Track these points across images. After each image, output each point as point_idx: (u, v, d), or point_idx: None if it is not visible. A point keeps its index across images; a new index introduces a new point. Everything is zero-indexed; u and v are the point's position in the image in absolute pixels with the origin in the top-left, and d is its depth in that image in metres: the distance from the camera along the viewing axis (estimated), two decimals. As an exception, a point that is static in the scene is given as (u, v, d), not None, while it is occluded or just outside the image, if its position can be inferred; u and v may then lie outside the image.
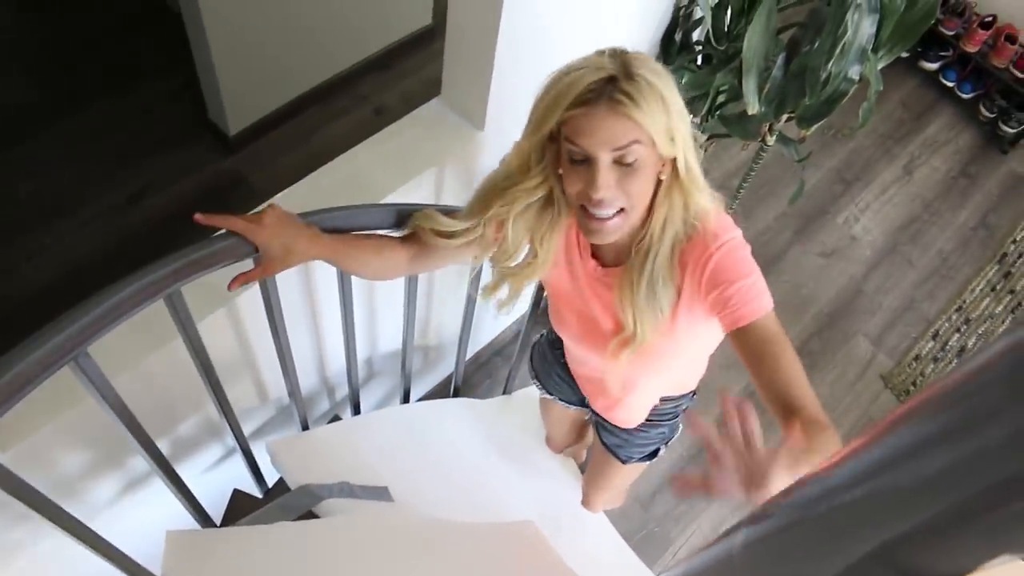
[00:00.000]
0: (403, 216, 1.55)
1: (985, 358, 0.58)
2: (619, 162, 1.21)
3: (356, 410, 2.30)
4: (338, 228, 1.48)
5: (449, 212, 1.48)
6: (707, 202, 1.30)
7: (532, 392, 2.61)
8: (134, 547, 1.67)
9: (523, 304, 2.26)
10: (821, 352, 3.28)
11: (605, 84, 1.17)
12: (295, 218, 1.39)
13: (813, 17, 2.02)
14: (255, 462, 2.08)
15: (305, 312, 1.99)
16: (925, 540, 0.63)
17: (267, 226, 1.33)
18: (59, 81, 3.54)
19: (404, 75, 3.75)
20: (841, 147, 3.86)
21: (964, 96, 3.98)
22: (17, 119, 3.38)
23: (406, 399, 2.41)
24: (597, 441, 2.02)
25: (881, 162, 3.86)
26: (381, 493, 1.93)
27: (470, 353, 3.03)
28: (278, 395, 2.14)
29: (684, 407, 1.84)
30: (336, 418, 2.50)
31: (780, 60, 2.05)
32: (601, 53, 1.21)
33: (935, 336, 3.37)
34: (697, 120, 2.36)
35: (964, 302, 3.47)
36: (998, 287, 3.52)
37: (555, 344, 1.88)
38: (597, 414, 1.89)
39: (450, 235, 1.44)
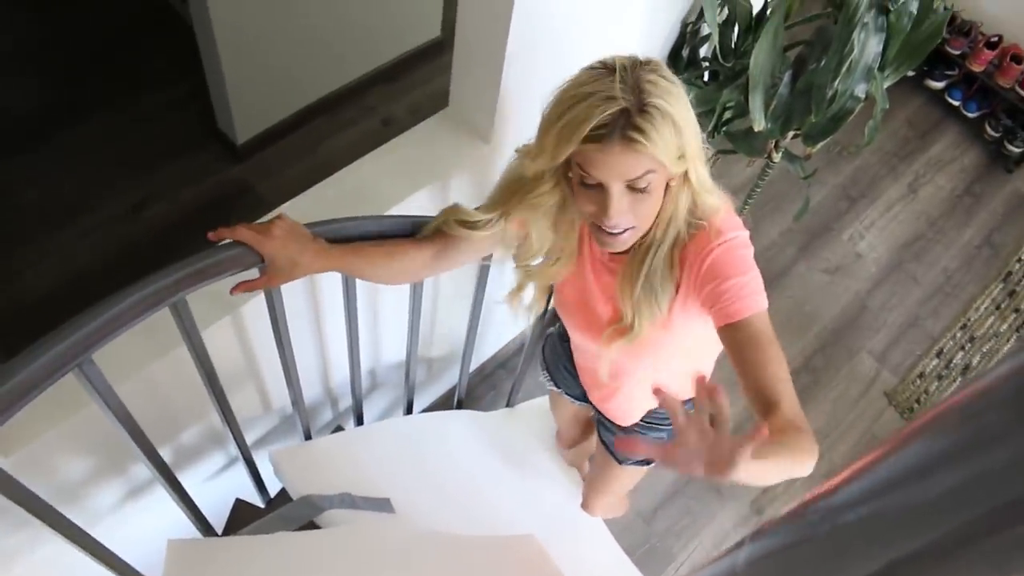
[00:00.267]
0: (417, 226, 1.55)
1: (989, 380, 0.58)
2: (631, 188, 1.22)
3: (359, 421, 2.30)
4: (348, 238, 1.48)
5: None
6: (714, 202, 1.31)
7: (535, 404, 2.62)
8: (135, 555, 1.67)
9: (529, 317, 2.26)
10: (825, 369, 3.28)
11: (618, 118, 1.15)
12: (303, 230, 1.39)
13: (820, 35, 2.03)
14: (257, 471, 2.08)
15: (310, 322, 1.99)
16: (930, 562, 0.63)
17: (275, 237, 1.33)
18: (67, 89, 3.56)
19: (412, 87, 3.77)
20: (847, 164, 3.86)
21: (970, 115, 3.98)
22: (24, 126, 3.39)
23: (409, 410, 2.41)
24: (598, 441, 2.03)
25: (886, 180, 3.86)
26: (383, 505, 1.92)
27: (474, 365, 3.02)
28: (281, 404, 2.14)
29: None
30: (339, 428, 2.50)
31: (786, 77, 2.06)
32: (611, 70, 1.18)
33: (939, 354, 3.36)
34: (704, 136, 2.36)
35: (969, 320, 3.46)
36: (1003, 305, 3.51)
37: (565, 337, 1.89)
38: (597, 410, 1.90)
39: (474, 224, 1.44)
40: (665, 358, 1.58)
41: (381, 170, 1.97)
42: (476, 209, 1.46)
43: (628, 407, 1.80)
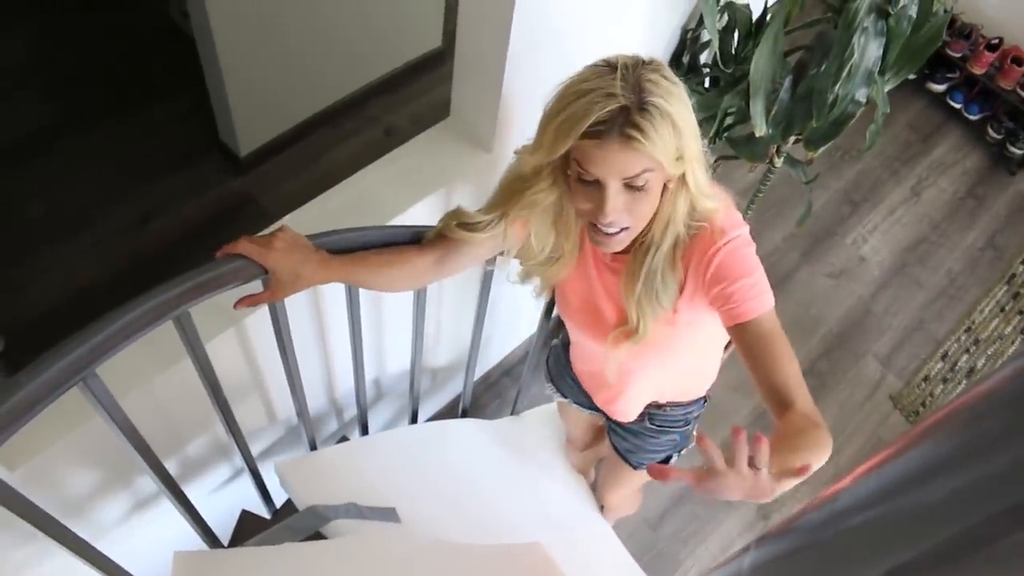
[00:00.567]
0: (419, 236, 1.55)
1: (990, 385, 0.58)
2: (627, 186, 1.23)
3: (364, 430, 2.30)
4: (351, 249, 1.48)
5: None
6: (712, 205, 1.31)
7: (540, 412, 2.61)
8: (141, 567, 1.68)
9: (532, 324, 2.27)
10: (830, 373, 3.27)
11: (617, 115, 1.16)
12: (305, 241, 1.39)
13: (820, 40, 2.03)
14: (263, 482, 2.08)
15: (314, 332, 2.00)
16: (931, 568, 0.63)
17: (277, 249, 1.34)
18: (71, 102, 3.57)
19: (414, 97, 3.78)
20: (849, 168, 3.86)
21: (971, 118, 3.98)
22: (29, 140, 3.41)
23: (414, 420, 2.41)
24: (610, 446, 2.03)
25: (889, 183, 3.86)
26: (389, 514, 1.92)
27: (479, 373, 3.03)
28: (286, 415, 2.14)
29: (695, 414, 1.84)
30: (344, 438, 2.50)
31: (787, 83, 2.06)
32: (613, 68, 1.19)
33: (944, 357, 3.35)
34: (705, 142, 2.36)
35: (973, 323, 3.45)
36: (1007, 308, 3.50)
37: (568, 347, 1.89)
38: (606, 416, 1.90)
39: (475, 226, 1.44)
40: (672, 357, 1.59)
41: (383, 180, 1.97)
42: (477, 211, 1.46)
43: (634, 406, 1.79)
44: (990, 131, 3.94)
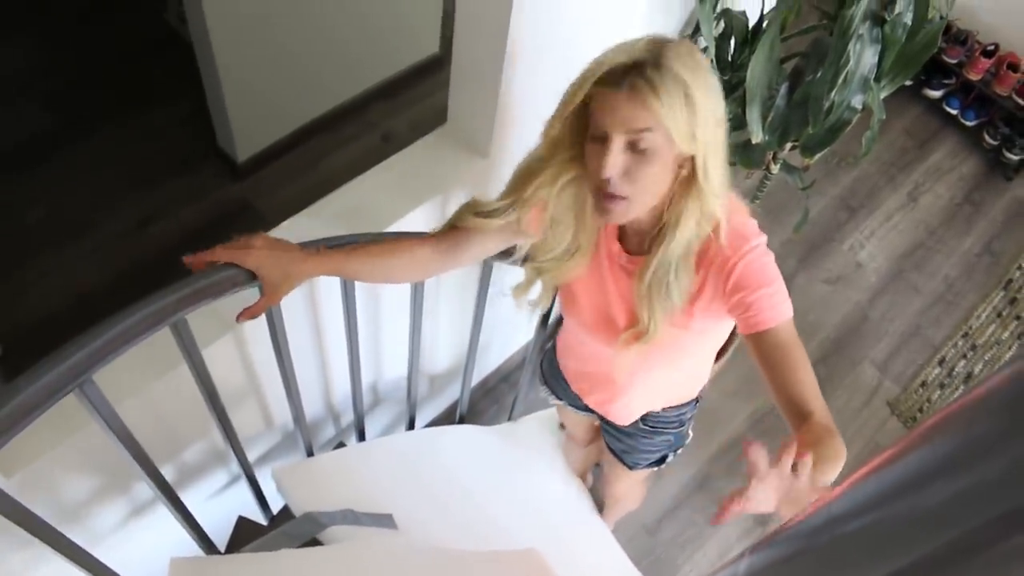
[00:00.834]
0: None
1: (984, 389, 0.58)
2: (632, 148, 1.23)
3: (361, 436, 2.30)
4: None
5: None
6: (718, 208, 1.30)
7: (537, 418, 2.61)
8: (138, 574, 1.67)
9: (529, 330, 2.27)
10: (827, 378, 3.28)
11: (631, 68, 1.19)
12: (287, 242, 1.39)
13: (816, 47, 2.04)
14: (260, 489, 2.08)
15: (310, 338, 2.00)
16: (928, 574, 0.63)
17: (257, 247, 1.34)
18: (71, 108, 3.58)
19: (412, 103, 3.78)
20: (846, 175, 3.87)
21: (968, 124, 4.00)
22: (29, 145, 3.42)
23: (411, 426, 2.41)
24: (606, 449, 2.03)
25: (885, 189, 3.86)
26: (385, 520, 1.92)
27: (476, 379, 3.03)
28: (283, 421, 2.14)
29: (688, 415, 1.85)
30: (341, 444, 2.50)
31: (783, 89, 2.07)
32: (639, 40, 1.23)
33: (941, 362, 3.36)
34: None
35: (970, 328, 3.46)
36: (1004, 313, 3.51)
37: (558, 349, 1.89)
38: (601, 417, 1.90)
39: (490, 213, 1.44)
40: (678, 361, 1.59)
41: (381, 187, 1.98)
42: (492, 200, 1.47)
43: (632, 410, 1.79)
44: (986, 137, 3.95)
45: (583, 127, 1.31)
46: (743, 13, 2.17)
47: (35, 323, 2.95)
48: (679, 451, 1.95)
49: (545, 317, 2.17)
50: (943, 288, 3.59)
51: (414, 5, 3.61)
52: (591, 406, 1.85)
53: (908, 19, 1.91)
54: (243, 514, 2.20)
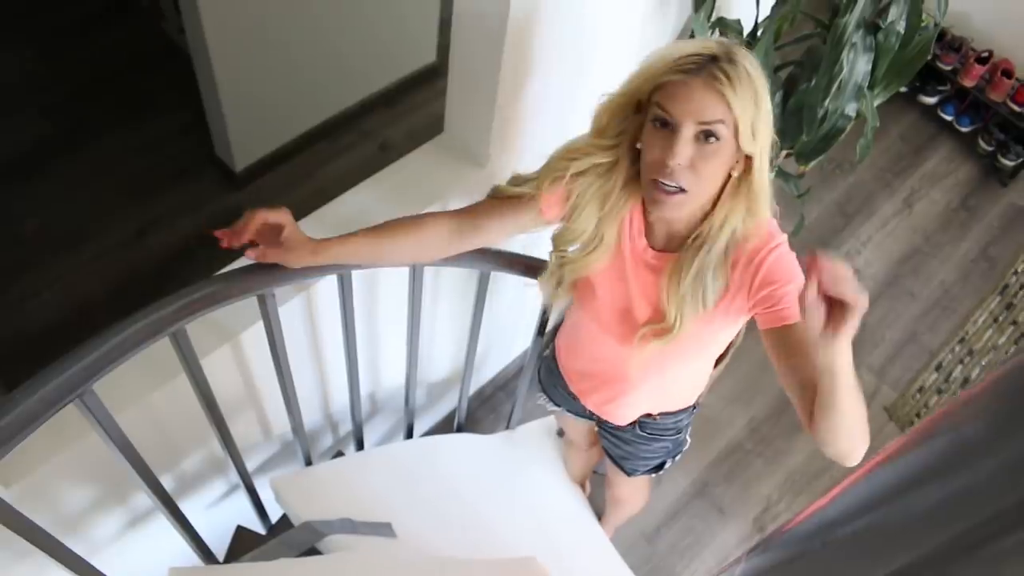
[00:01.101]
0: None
1: (968, 395, 0.59)
2: (700, 138, 1.25)
3: (359, 446, 2.30)
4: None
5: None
6: (767, 208, 1.35)
7: (535, 426, 2.62)
8: (137, 584, 1.68)
9: (527, 338, 2.27)
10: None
11: (707, 59, 1.23)
12: None
13: (810, 55, 2.06)
14: (259, 498, 2.08)
15: (309, 348, 2.00)
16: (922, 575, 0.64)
17: (288, 214, 1.36)
18: (69, 119, 3.59)
19: (409, 111, 3.80)
20: (842, 181, 3.88)
21: (963, 130, 4.01)
22: (27, 156, 3.43)
23: (410, 435, 2.41)
24: (606, 456, 2.04)
25: (881, 195, 3.88)
26: (384, 529, 1.92)
27: (474, 388, 3.03)
28: (282, 431, 2.14)
29: (685, 422, 1.85)
30: (339, 454, 2.50)
31: (778, 97, 2.08)
32: (707, 39, 1.29)
33: (938, 368, 3.37)
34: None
35: (967, 334, 3.47)
36: (1000, 318, 3.52)
37: (556, 357, 1.89)
38: (598, 423, 1.90)
39: (519, 183, 1.46)
40: (690, 359, 1.60)
41: (378, 196, 1.98)
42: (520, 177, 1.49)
43: (632, 410, 1.78)
44: (981, 143, 3.96)
45: (630, 120, 1.34)
46: (738, 22, 2.18)
47: (34, 334, 2.95)
48: (677, 458, 1.95)
49: (542, 326, 2.18)
50: (939, 294, 3.60)
51: (411, 15, 3.63)
52: (589, 407, 1.84)
53: (901, 27, 1.92)
54: (242, 523, 2.21)
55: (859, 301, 1.06)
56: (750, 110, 1.24)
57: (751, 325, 1.46)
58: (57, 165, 3.42)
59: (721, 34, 2.19)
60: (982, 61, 3.81)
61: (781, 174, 2.42)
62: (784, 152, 2.23)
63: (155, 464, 1.56)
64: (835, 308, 1.08)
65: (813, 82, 1.98)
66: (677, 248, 1.41)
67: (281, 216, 1.36)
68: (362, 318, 1.98)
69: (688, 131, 1.24)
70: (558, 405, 2.02)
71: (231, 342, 1.72)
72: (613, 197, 1.41)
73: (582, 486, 2.67)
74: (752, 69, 1.24)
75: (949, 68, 3.90)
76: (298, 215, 1.92)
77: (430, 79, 3.89)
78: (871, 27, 1.95)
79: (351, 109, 3.70)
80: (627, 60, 2.20)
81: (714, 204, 1.35)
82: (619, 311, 1.54)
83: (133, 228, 3.28)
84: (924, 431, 0.64)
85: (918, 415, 3.22)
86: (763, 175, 1.31)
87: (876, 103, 2.08)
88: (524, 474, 2.51)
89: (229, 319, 1.65)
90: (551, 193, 1.43)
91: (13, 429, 1.13)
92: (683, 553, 2.87)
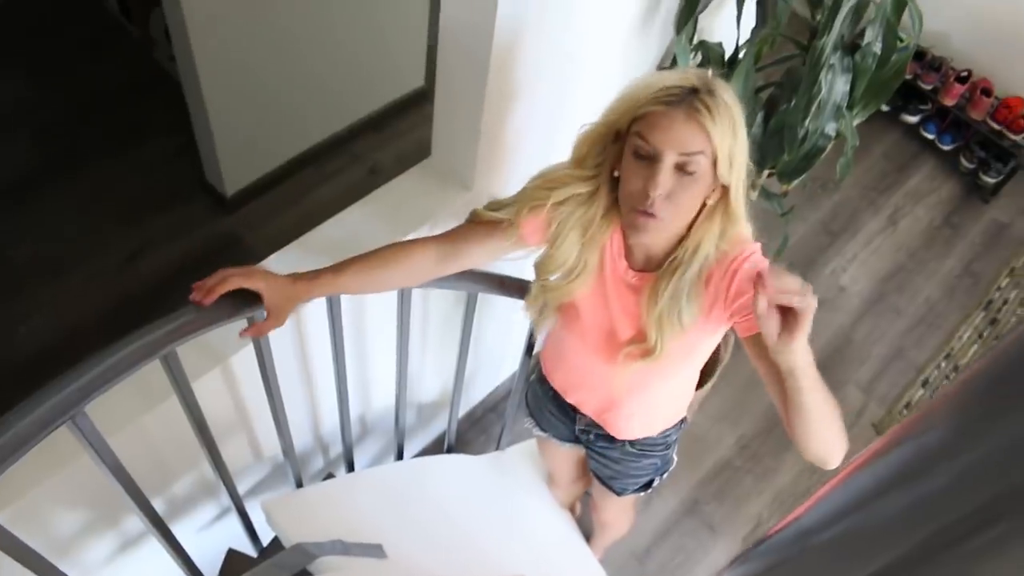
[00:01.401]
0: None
1: (932, 404, 0.62)
2: (680, 169, 1.28)
3: (350, 467, 2.31)
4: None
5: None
6: (745, 232, 1.39)
7: (525, 447, 2.63)
8: (128, 607, 1.68)
9: (515, 361, 2.29)
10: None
11: (688, 91, 1.26)
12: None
13: (789, 76, 2.09)
14: (250, 521, 2.08)
15: (298, 369, 2.02)
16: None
17: (257, 272, 1.38)
18: (60, 145, 3.61)
19: (397, 136, 3.83)
20: (827, 199, 3.92)
21: (944, 148, 4.07)
22: (18, 181, 3.44)
23: (400, 456, 2.42)
24: (594, 478, 2.04)
25: (866, 213, 3.92)
26: (375, 550, 1.93)
27: (464, 410, 3.04)
28: (272, 453, 2.15)
29: (673, 437, 1.86)
30: (330, 476, 2.51)
31: (759, 118, 2.12)
32: (686, 70, 1.32)
33: (925, 383, 3.39)
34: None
35: (952, 349, 3.50)
36: (985, 334, 3.56)
37: (544, 380, 1.90)
38: (586, 445, 1.91)
39: (498, 208, 1.50)
40: (672, 375, 1.62)
41: (367, 219, 2.01)
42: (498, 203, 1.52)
43: (632, 423, 1.79)
44: (963, 160, 4.02)
45: (609, 149, 1.37)
46: (719, 44, 2.22)
47: (24, 358, 2.95)
48: (665, 475, 1.97)
49: (530, 347, 2.20)
50: (925, 310, 3.64)
51: (398, 41, 3.67)
52: (589, 414, 1.82)
53: (878, 48, 1.96)
54: (233, 546, 2.21)
55: (806, 305, 1.09)
56: (728, 140, 1.27)
57: (738, 345, 1.49)
58: (49, 190, 3.43)
59: (703, 56, 2.23)
60: (962, 80, 3.87)
61: (765, 193, 2.45)
62: (767, 172, 2.27)
63: (146, 487, 1.56)
64: (787, 314, 1.12)
65: (793, 103, 2.01)
66: (656, 268, 1.44)
67: (255, 282, 1.37)
68: (351, 340, 2.00)
69: (669, 161, 1.27)
70: (544, 430, 2.03)
71: (221, 365, 1.73)
72: (595, 224, 1.44)
73: (571, 509, 2.68)
74: (730, 100, 1.28)
75: (930, 87, 3.96)
76: (288, 239, 1.95)
77: (419, 103, 3.92)
78: (849, 48, 1.99)
79: (340, 134, 3.73)
80: (610, 85, 2.24)
81: (690, 227, 1.38)
82: (603, 332, 1.56)
83: (124, 252, 3.30)
84: (892, 439, 0.66)
85: (906, 430, 3.25)
86: (739, 203, 1.34)
87: (855, 122, 2.12)
88: (514, 495, 2.52)
89: (219, 342, 1.67)
90: (531, 221, 1.46)
91: (6, 451, 1.15)
92: (674, 572, 2.88)
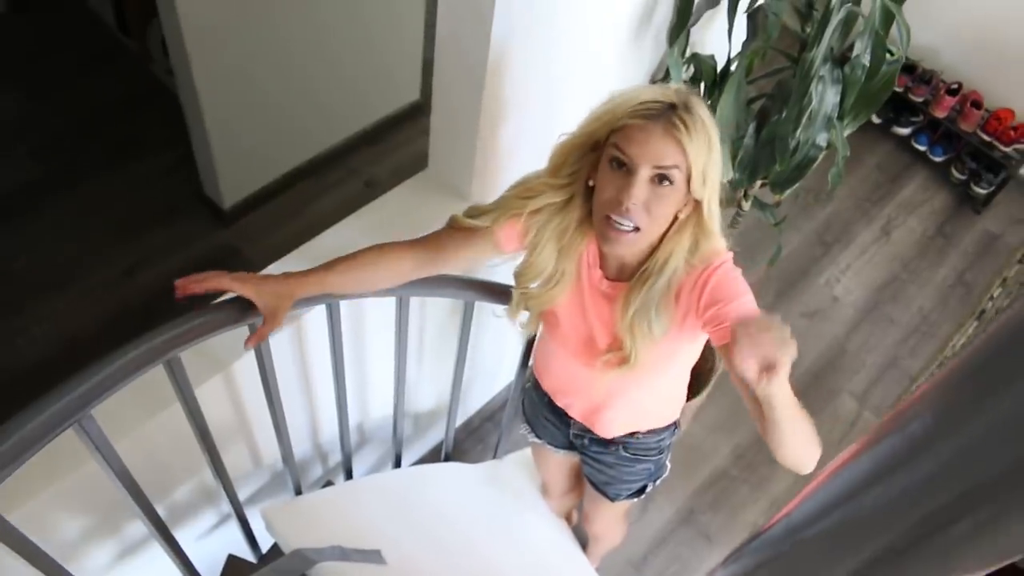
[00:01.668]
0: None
1: (915, 396, 0.64)
2: (655, 181, 1.31)
3: (349, 475, 2.32)
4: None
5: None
6: (718, 245, 1.41)
7: (521, 456, 2.64)
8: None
9: (511, 370, 2.31)
10: (807, 411, 3.31)
11: (666, 107, 1.29)
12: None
13: (780, 88, 2.13)
14: (249, 528, 2.10)
15: (299, 379, 2.04)
16: (882, 568, 0.68)
17: (246, 277, 1.42)
18: (58, 158, 3.63)
19: (394, 149, 3.86)
20: (820, 210, 3.96)
21: (936, 159, 4.11)
22: (17, 194, 3.46)
23: (398, 465, 2.44)
24: (587, 484, 2.06)
25: (859, 224, 3.96)
26: (374, 556, 1.95)
27: (461, 419, 3.06)
28: (272, 461, 2.17)
29: (667, 442, 1.88)
30: (329, 483, 2.52)
31: (751, 129, 2.15)
32: (666, 86, 1.34)
33: (919, 393, 3.41)
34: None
35: (946, 358, 3.53)
36: (978, 343, 3.58)
37: (538, 385, 1.93)
38: (580, 451, 1.93)
39: (476, 215, 1.52)
40: (654, 381, 1.64)
41: (364, 230, 2.03)
42: (478, 208, 1.55)
43: (616, 423, 1.81)
44: (954, 172, 4.06)
45: (585, 159, 1.39)
46: (711, 57, 2.26)
47: (23, 371, 2.97)
48: (658, 481, 1.98)
49: (525, 358, 2.22)
50: (918, 319, 3.66)
51: (394, 55, 3.70)
52: (578, 418, 1.85)
53: (866, 60, 2.00)
54: (232, 552, 2.22)
55: (785, 355, 1.10)
56: (703, 157, 1.30)
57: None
58: (48, 204, 3.45)
59: (695, 69, 2.26)
60: (952, 93, 3.92)
61: (758, 203, 2.48)
62: (759, 182, 2.29)
63: (147, 495, 1.58)
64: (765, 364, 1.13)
65: (784, 114, 2.04)
66: (629, 278, 1.47)
67: (245, 289, 1.41)
68: (350, 349, 2.02)
69: (644, 173, 1.30)
70: (540, 437, 2.05)
71: (223, 372, 1.75)
72: (570, 232, 1.47)
73: (568, 518, 2.69)
74: (707, 118, 1.31)
75: (921, 100, 4.00)
76: (285, 251, 1.98)
77: (415, 117, 3.95)
78: (838, 61, 2.03)
79: (337, 147, 3.75)
80: (603, 95, 2.27)
81: (660, 241, 1.41)
82: (582, 339, 1.59)
83: (123, 266, 3.32)
84: (879, 431, 0.69)
85: (900, 439, 3.26)
86: (711, 218, 1.37)
87: (846, 133, 2.15)
88: (511, 502, 2.53)
89: (221, 350, 1.69)
90: (508, 229, 1.50)
91: (14, 453, 1.16)
92: (671, 580, 2.89)
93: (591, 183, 1.40)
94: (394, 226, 2.03)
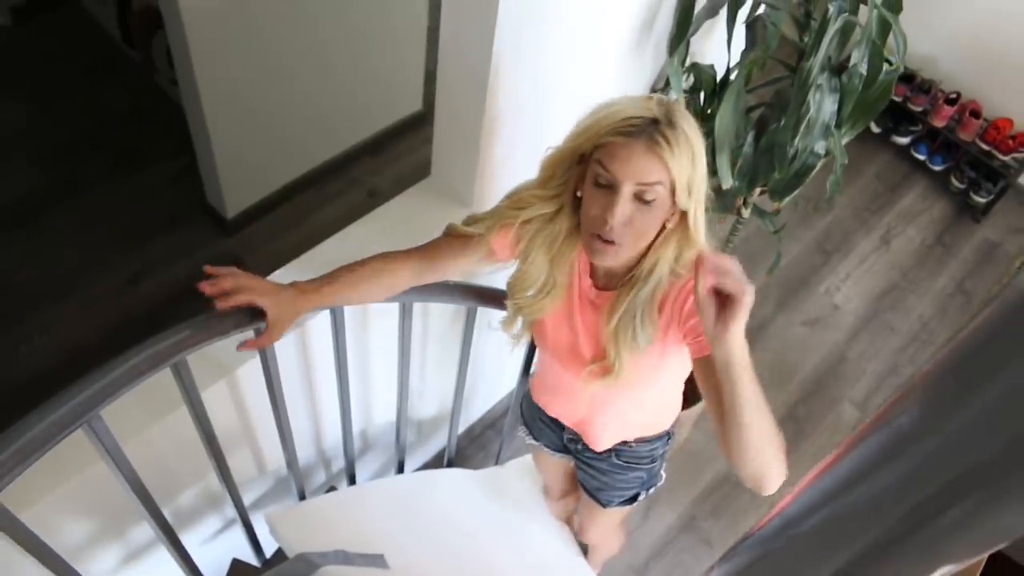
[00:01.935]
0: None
1: (903, 391, 0.66)
2: (639, 197, 1.31)
3: (352, 481, 2.34)
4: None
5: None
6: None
7: (523, 462, 2.65)
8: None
9: (513, 378, 2.33)
10: (807, 419, 3.34)
11: (648, 123, 1.28)
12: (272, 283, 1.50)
13: (779, 97, 2.15)
14: (254, 532, 2.11)
15: (302, 385, 2.05)
16: (874, 560, 0.69)
17: (263, 289, 1.45)
18: (62, 168, 3.66)
19: (396, 159, 3.88)
20: (820, 219, 3.98)
21: (935, 168, 4.13)
22: (21, 204, 3.49)
23: (401, 471, 2.45)
24: (582, 489, 2.07)
25: (859, 233, 3.98)
26: (377, 560, 1.96)
27: (463, 426, 3.07)
28: (276, 466, 2.18)
29: (660, 451, 1.89)
30: (332, 489, 2.54)
31: (750, 137, 2.17)
32: (649, 98, 1.33)
33: (919, 400, 3.42)
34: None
35: (946, 367, 3.53)
36: (978, 351, 3.59)
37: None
38: (575, 455, 1.95)
39: (471, 223, 1.55)
40: (639, 393, 1.65)
41: (366, 238, 2.05)
42: (473, 217, 1.57)
43: (606, 435, 1.82)
44: (953, 181, 4.08)
45: (573, 170, 1.40)
46: (711, 67, 2.28)
47: (26, 379, 2.98)
48: (651, 490, 1.99)
49: (527, 366, 2.23)
50: (918, 327, 3.68)
51: (396, 66, 3.73)
52: (571, 426, 1.88)
53: (864, 69, 2.02)
54: (237, 556, 2.23)
55: (745, 293, 1.12)
56: (687, 170, 1.30)
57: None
58: (51, 213, 3.48)
59: (695, 78, 2.29)
60: (951, 102, 3.94)
61: (757, 211, 2.50)
62: (758, 190, 2.31)
63: (153, 499, 1.59)
64: (725, 302, 1.14)
65: (783, 122, 2.06)
66: (616, 287, 1.48)
67: (264, 300, 1.45)
68: (354, 355, 2.04)
69: (627, 191, 1.30)
70: (537, 440, 2.06)
71: (227, 378, 1.77)
72: (559, 242, 1.48)
73: (568, 523, 2.70)
74: (690, 130, 1.31)
75: (920, 109, 4.02)
76: (287, 260, 2.00)
77: (417, 127, 3.98)
78: (836, 69, 2.05)
79: (340, 157, 3.78)
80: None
81: (647, 249, 1.41)
82: (568, 349, 1.61)
83: (126, 275, 3.34)
84: (869, 426, 0.70)
85: (900, 446, 3.27)
86: (698, 228, 1.38)
87: (844, 141, 2.17)
88: (513, 508, 2.54)
89: (226, 355, 1.71)
90: (501, 238, 1.52)
91: (25, 453, 1.18)
92: (672, 587, 2.90)
93: (579, 194, 1.41)
94: (396, 234, 2.05)
